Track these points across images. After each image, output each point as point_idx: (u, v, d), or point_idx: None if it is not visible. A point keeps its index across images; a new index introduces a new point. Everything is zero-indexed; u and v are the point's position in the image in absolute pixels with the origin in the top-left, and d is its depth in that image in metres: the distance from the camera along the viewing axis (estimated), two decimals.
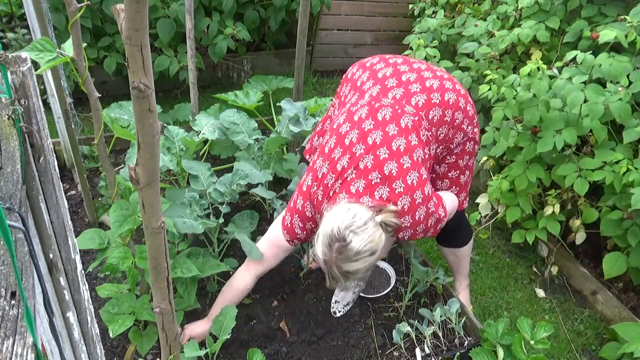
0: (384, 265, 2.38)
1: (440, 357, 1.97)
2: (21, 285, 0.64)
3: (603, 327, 2.38)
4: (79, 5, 1.20)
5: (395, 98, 1.72)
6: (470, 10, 3.47)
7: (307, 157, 2.15)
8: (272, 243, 1.93)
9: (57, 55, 1.27)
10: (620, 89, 2.16)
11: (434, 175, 1.95)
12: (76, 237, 1.32)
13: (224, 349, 2.01)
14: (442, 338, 2.06)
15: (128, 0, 0.61)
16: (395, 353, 2.06)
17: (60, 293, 1.07)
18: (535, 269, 2.70)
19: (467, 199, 2.07)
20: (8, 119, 0.88)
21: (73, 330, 1.13)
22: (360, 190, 1.64)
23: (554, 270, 2.59)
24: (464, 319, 2.08)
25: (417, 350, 1.99)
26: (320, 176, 1.73)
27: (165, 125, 2.62)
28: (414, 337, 2.03)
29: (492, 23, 3.10)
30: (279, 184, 2.77)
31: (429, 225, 1.71)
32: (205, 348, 1.82)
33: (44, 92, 2.61)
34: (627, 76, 2.23)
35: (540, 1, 2.80)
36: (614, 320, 2.34)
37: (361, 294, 2.28)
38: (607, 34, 2.19)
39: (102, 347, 1.28)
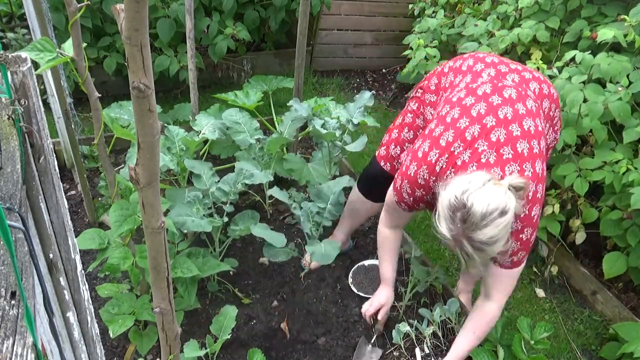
0: None
1: (440, 358, 1.97)
2: (21, 285, 0.64)
3: (603, 327, 2.38)
4: (79, 5, 1.20)
5: (514, 81, 1.69)
6: (470, 10, 3.47)
7: (382, 163, 2.09)
8: (388, 206, 1.91)
9: (57, 55, 1.27)
10: (620, 88, 2.16)
11: None
12: (76, 237, 1.32)
13: (224, 349, 2.01)
14: (442, 338, 2.06)
15: (128, 0, 0.61)
16: (395, 353, 2.06)
17: (60, 293, 1.07)
18: (535, 269, 2.70)
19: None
20: (8, 119, 0.88)
21: (73, 330, 1.13)
22: (492, 162, 1.55)
23: (554, 270, 2.59)
24: (464, 319, 2.08)
25: (417, 350, 1.99)
26: (444, 144, 1.62)
27: (165, 125, 2.62)
28: (413, 337, 2.03)
29: (492, 23, 3.10)
30: (279, 184, 2.77)
31: (530, 239, 1.61)
32: (206, 348, 1.82)
33: (44, 92, 2.61)
34: (627, 76, 2.23)
35: (540, 1, 2.80)
36: (614, 320, 2.34)
37: (361, 294, 2.28)
38: (605, 34, 2.19)
39: (102, 347, 1.28)
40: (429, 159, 1.64)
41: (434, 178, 1.64)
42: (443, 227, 1.47)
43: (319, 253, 2.12)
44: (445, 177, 1.60)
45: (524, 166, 1.53)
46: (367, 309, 2.07)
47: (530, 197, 1.53)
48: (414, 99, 1.98)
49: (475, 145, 1.57)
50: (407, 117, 1.99)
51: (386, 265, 2.05)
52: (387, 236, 2.00)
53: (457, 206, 1.42)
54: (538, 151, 1.57)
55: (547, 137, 1.75)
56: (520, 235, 1.59)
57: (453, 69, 1.86)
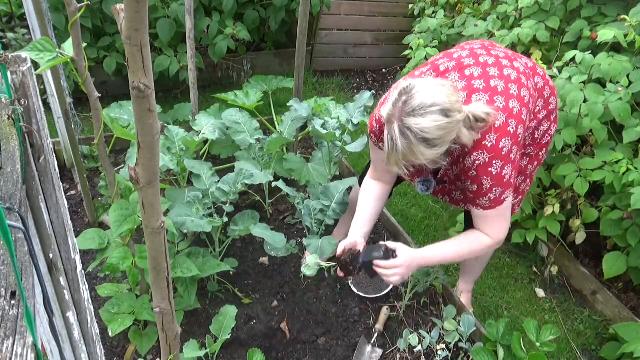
0: None
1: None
2: (21, 285, 0.64)
3: (603, 327, 2.38)
4: (79, 5, 1.20)
5: (505, 52, 1.68)
6: (470, 10, 3.47)
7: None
8: (370, 147, 1.89)
9: (57, 55, 1.27)
10: (620, 88, 2.16)
11: None
12: (76, 237, 1.32)
13: (224, 349, 2.01)
14: (449, 353, 2.05)
15: (128, 0, 0.61)
16: (396, 354, 2.06)
17: (60, 293, 1.07)
18: (535, 269, 2.70)
19: (520, 204, 1.96)
20: (8, 119, 0.88)
21: (73, 330, 1.13)
22: (459, 87, 1.54)
23: (554, 270, 2.59)
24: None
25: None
26: (417, 74, 1.64)
27: (165, 125, 2.62)
28: (422, 350, 2.02)
29: (492, 23, 3.10)
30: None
31: (503, 174, 1.53)
32: (206, 348, 1.82)
33: (44, 92, 2.61)
34: (627, 76, 2.23)
35: (540, 1, 2.80)
36: (614, 320, 2.34)
37: (361, 294, 2.28)
38: (605, 34, 2.19)
39: (102, 347, 1.28)
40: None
41: None
42: (386, 107, 1.46)
43: (315, 246, 2.13)
44: None
45: (495, 98, 1.50)
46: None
47: (497, 127, 1.49)
48: None
49: (447, 75, 1.58)
50: None
51: (360, 214, 1.86)
52: (369, 186, 1.91)
53: (405, 90, 1.43)
54: (516, 94, 1.52)
55: (541, 123, 1.71)
56: (489, 169, 1.53)
57: (444, 52, 1.87)
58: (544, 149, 1.80)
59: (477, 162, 1.53)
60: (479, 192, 1.58)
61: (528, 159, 1.79)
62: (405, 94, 1.42)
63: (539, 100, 1.68)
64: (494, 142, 1.50)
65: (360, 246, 1.76)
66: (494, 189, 1.56)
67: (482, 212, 1.64)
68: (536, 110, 1.68)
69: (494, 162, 1.52)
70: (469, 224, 1.99)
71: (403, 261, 1.66)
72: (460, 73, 1.58)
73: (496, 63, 1.59)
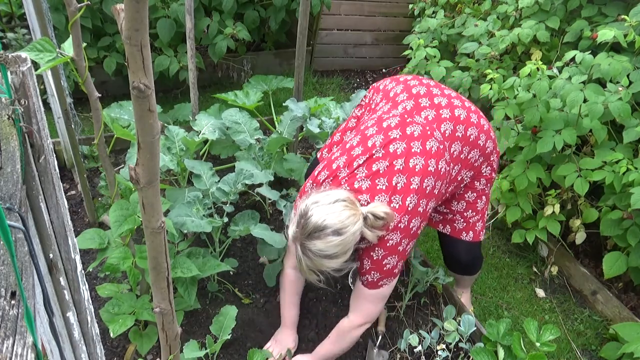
0: None
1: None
2: (21, 285, 0.64)
3: (603, 327, 2.38)
4: (79, 5, 1.20)
5: (427, 119, 1.72)
6: (470, 10, 3.47)
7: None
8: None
9: (57, 55, 1.27)
10: (620, 88, 2.17)
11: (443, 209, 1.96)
12: (76, 237, 1.32)
13: (224, 349, 2.01)
14: (449, 353, 2.05)
15: (128, 0, 0.61)
16: (397, 354, 2.06)
17: (60, 293, 1.07)
18: (535, 269, 2.70)
19: (484, 229, 2.02)
20: (8, 119, 0.88)
21: (73, 330, 1.13)
22: (363, 189, 1.65)
23: (554, 270, 2.59)
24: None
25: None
26: (334, 167, 1.73)
27: (165, 125, 2.62)
28: (422, 350, 2.02)
29: (492, 23, 3.10)
30: (279, 184, 2.77)
31: (384, 262, 1.67)
32: (206, 348, 1.82)
33: (44, 92, 2.61)
34: (627, 76, 2.23)
35: (540, 1, 2.80)
36: (614, 320, 2.34)
37: None
38: (605, 34, 2.20)
39: (102, 347, 1.28)
40: (318, 178, 1.76)
41: None
42: (291, 227, 1.61)
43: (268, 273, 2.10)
44: None
45: (392, 198, 1.61)
46: (273, 353, 1.99)
47: (390, 227, 1.61)
48: (359, 106, 2.05)
49: (355, 172, 1.68)
50: (351, 121, 2.07)
51: (290, 307, 2.04)
52: (291, 280, 2.00)
53: (303, 213, 1.56)
54: (417, 187, 1.62)
55: (460, 174, 1.79)
56: (371, 253, 1.67)
57: (384, 91, 1.90)
58: (487, 170, 1.88)
59: (363, 245, 1.68)
60: (360, 269, 1.74)
61: (470, 192, 1.90)
62: (303, 217, 1.55)
63: (457, 165, 1.75)
64: (383, 235, 1.64)
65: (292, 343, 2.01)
66: (373, 272, 1.71)
67: (360, 289, 1.78)
68: (452, 177, 1.75)
69: (377, 249, 1.66)
70: (444, 247, 2.12)
71: None
72: (367, 169, 1.66)
73: (404, 153, 1.64)
